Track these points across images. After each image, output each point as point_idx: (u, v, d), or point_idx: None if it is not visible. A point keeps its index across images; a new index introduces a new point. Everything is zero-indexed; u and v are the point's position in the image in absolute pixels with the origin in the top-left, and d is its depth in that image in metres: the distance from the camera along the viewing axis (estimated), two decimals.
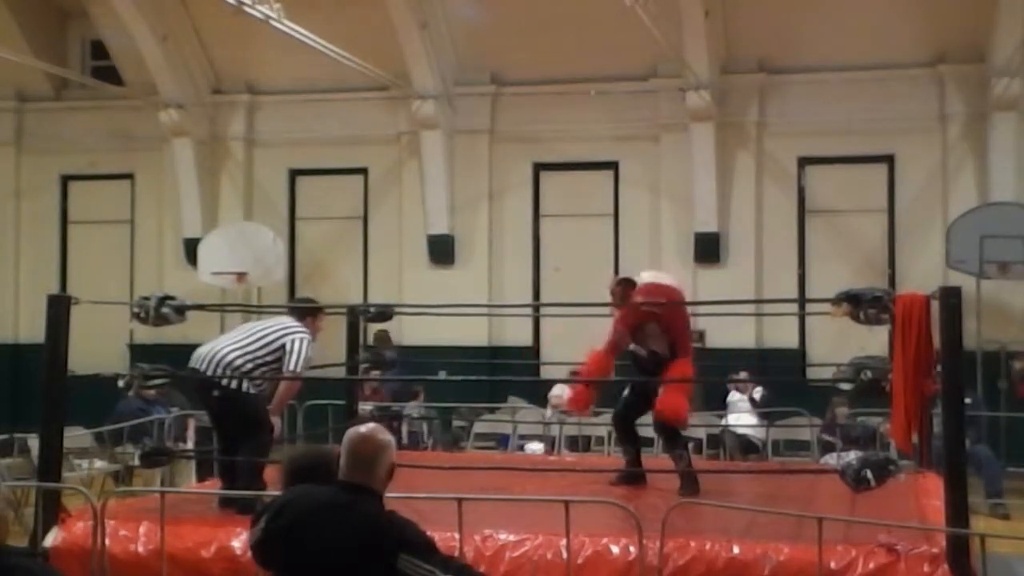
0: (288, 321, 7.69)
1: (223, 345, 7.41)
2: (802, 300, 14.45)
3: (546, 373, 14.94)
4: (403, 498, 5.05)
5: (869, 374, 6.55)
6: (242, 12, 11.41)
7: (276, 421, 7.54)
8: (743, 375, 12.96)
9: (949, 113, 14.58)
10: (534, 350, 15.60)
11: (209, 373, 7.28)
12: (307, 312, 7.84)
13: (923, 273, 13.62)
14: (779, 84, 15.01)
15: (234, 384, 7.26)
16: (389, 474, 4.15)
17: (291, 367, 7.33)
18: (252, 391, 7.34)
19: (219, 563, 6.27)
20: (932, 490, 7.14)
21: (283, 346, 7.37)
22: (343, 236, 16.50)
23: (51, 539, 6.58)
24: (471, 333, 14.35)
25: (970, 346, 11.79)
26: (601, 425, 12.51)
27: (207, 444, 11.37)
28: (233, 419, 7.37)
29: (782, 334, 14.77)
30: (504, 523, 6.34)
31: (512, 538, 6.12)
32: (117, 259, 16.96)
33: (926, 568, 5.63)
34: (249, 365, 7.30)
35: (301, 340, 7.41)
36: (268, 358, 7.36)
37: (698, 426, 12.26)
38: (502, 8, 14.91)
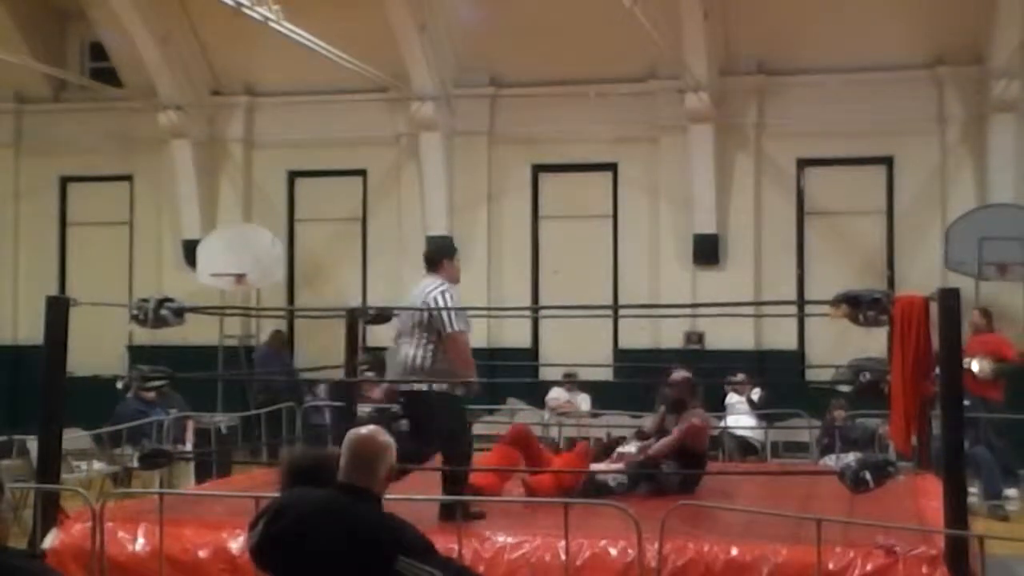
0: (423, 282, 7.03)
1: (404, 350, 6.96)
2: (801, 302, 14.42)
3: (545, 375, 14.94)
4: (402, 500, 5.06)
5: (868, 376, 6.55)
6: (241, 14, 11.41)
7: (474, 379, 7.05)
8: (740, 377, 12.96)
9: (948, 115, 14.58)
10: (533, 352, 15.57)
11: (415, 386, 6.91)
12: (443, 255, 7.15)
13: (922, 275, 13.62)
14: (778, 86, 15.01)
15: (426, 386, 6.86)
16: (389, 476, 4.15)
17: (447, 326, 6.77)
18: (442, 388, 6.87)
19: (217, 564, 6.27)
20: (931, 491, 7.14)
21: (428, 310, 6.84)
22: (342, 238, 16.48)
23: (50, 540, 6.58)
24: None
25: None
26: (601, 427, 12.52)
27: (205, 446, 11.39)
28: (441, 418, 6.92)
29: (781, 336, 14.78)
30: (503, 525, 6.34)
31: (511, 540, 6.12)
32: (116, 261, 16.93)
33: (924, 569, 5.63)
34: (429, 353, 6.85)
35: (441, 293, 6.87)
36: (428, 334, 6.87)
37: None
38: (501, 10, 14.89)
